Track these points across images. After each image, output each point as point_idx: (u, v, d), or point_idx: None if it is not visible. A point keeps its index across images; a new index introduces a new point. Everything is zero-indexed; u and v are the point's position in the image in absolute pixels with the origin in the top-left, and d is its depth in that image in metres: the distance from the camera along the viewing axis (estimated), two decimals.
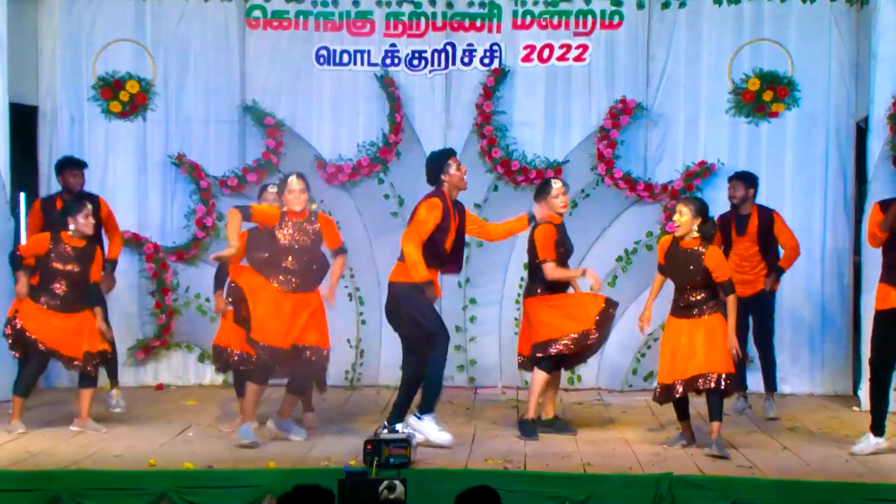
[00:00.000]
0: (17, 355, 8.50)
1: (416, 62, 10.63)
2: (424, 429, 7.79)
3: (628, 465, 7.36)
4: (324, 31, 10.66)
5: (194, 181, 10.54)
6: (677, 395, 7.88)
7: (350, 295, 10.56)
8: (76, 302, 8.42)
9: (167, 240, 10.62)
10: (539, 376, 8.37)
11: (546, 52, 10.57)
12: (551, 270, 8.30)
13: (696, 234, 7.89)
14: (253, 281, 7.90)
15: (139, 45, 10.65)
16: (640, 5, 10.48)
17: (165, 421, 8.87)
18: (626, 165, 10.44)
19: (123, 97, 10.60)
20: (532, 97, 10.61)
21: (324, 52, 10.65)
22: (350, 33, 10.66)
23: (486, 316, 10.62)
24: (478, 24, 10.60)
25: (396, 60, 10.63)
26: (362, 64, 10.64)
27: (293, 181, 7.99)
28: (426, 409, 7.94)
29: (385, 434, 7.40)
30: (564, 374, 9.47)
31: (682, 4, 10.47)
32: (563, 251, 8.43)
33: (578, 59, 10.56)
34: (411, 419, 7.89)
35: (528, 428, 8.29)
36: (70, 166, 9.31)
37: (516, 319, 9.97)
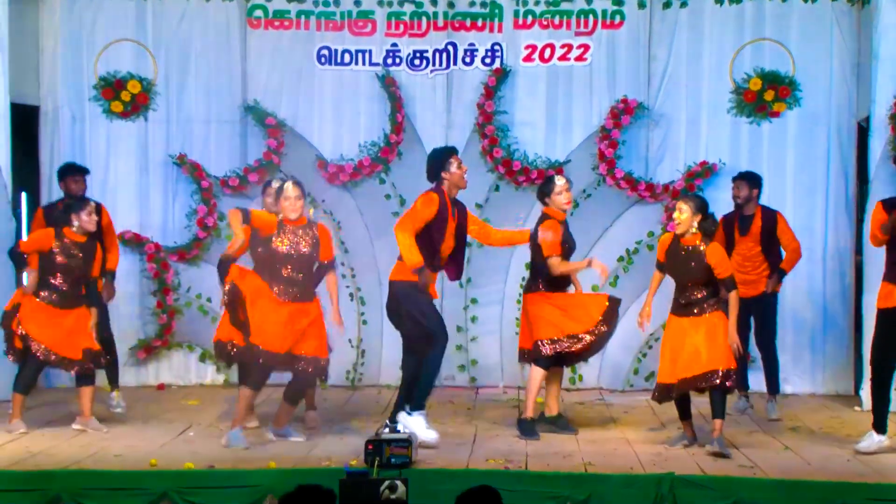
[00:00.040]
0: (11, 358, 8.46)
1: (417, 62, 10.63)
2: (413, 425, 7.77)
3: (630, 465, 7.35)
4: (325, 31, 10.66)
5: (196, 181, 10.54)
6: (674, 396, 7.89)
7: (351, 295, 10.56)
8: (74, 298, 8.42)
9: (168, 240, 10.62)
10: (536, 374, 8.38)
11: (547, 52, 10.57)
12: (557, 265, 8.30)
13: (696, 231, 7.89)
14: (254, 285, 7.84)
15: (140, 45, 10.65)
16: (642, 5, 10.48)
17: (166, 421, 8.87)
18: (627, 165, 10.44)
19: (125, 97, 10.60)
20: (533, 97, 10.61)
21: (325, 51, 10.65)
22: (351, 33, 10.67)
23: (488, 316, 10.62)
24: (479, 23, 10.60)
25: (398, 60, 10.63)
26: (364, 64, 10.64)
27: (289, 188, 7.94)
28: (417, 405, 7.93)
29: (386, 433, 7.39)
30: (566, 374, 9.45)
31: (684, 4, 10.47)
32: (567, 248, 8.44)
33: (580, 58, 10.56)
34: (401, 414, 7.89)
35: (528, 428, 8.29)
36: (72, 172, 9.30)
37: (517, 319, 9.93)
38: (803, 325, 10.36)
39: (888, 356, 7.80)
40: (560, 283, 8.48)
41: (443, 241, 8.04)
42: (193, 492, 6.86)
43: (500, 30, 10.60)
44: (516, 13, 10.57)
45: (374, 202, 10.56)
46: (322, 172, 10.50)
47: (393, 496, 6.18)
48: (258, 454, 7.57)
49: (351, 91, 10.66)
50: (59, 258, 8.33)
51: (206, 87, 10.70)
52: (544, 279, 8.40)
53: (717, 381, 7.73)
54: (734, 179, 9.41)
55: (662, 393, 7.95)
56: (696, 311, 7.87)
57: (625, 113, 10.39)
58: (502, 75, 10.51)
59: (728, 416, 8.15)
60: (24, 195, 10.49)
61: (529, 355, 8.46)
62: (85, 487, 6.85)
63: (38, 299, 8.35)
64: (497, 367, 10.60)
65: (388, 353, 10.31)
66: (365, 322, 10.61)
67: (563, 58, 10.57)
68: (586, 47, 10.55)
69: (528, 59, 10.59)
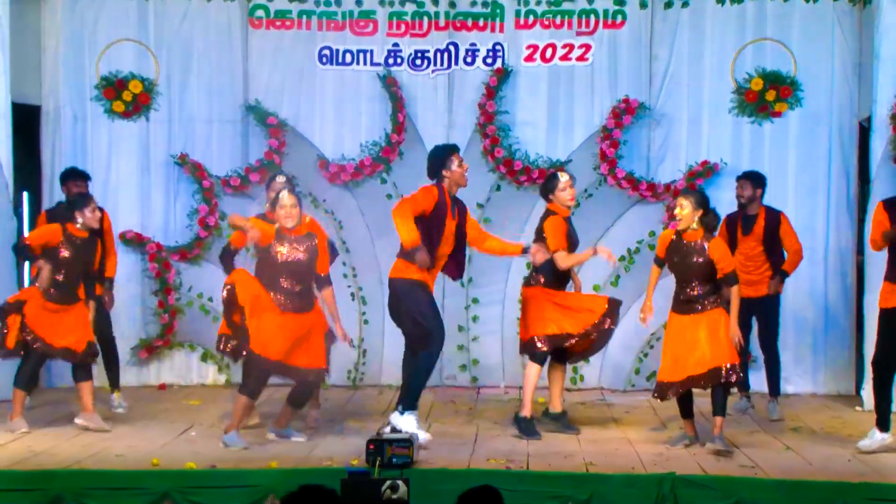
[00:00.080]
0: (8, 346, 8.43)
1: (418, 62, 10.64)
2: (404, 425, 7.77)
3: (631, 465, 7.35)
4: (327, 31, 10.67)
5: (197, 181, 10.54)
6: (677, 394, 7.90)
7: (353, 295, 10.56)
8: (74, 293, 8.44)
9: (170, 239, 10.62)
10: (532, 370, 8.39)
11: (549, 52, 10.57)
12: (563, 259, 8.31)
13: (698, 227, 7.90)
14: (255, 293, 7.78)
15: (142, 45, 10.65)
16: (643, 5, 10.48)
17: (168, 421, 8.87)
18: (628, 165, 10.44)
19: (126, 97, 10.61)
20: (535, 97, 10.61)
21: (326, 51, 10.65)
22: (353, 33, 10.67)
23: (489, 315, 10.62)
24: (480, 23, 10.60)
25: (399, 60, 10.64)
26: (365, 64, 10.65)
27: (284, 197, 7.91)
28: (408, 405, 7.92)
29: (388, 433, 7.39)
30: (568, 374, 9.45)
31: (685, 4, 10.47)
32: (571, 244, 8.44)
33: (581, 58, 10.56)
34: (393, 414, 7.88)
35: (529, 427, 8.29)
36: (73, 177, 9.31)
37: (519, 319, 9.95)
38: (804, 325, 10.36)
39: (891, 357, 7.78)
40: (561, 280, 8.49)
41: (441, 240, 8.03)
42: (195, 491, 6.86)
43: (501, 30, 10.60)
44: (518, 13, 10.58)
45: (375, 202, 10.56)
46: (323, 172, 10.52)
47: (394, 496, 6.18)
48: (259, 454, 7.57)
49: (352, 91, 10.67)
50: (62, 253, 8.35)
51: (208, 86, 10.71)
52: (546, 275, 8.40)
53: (723, 378, 7.74)
54: (738, 179, 9.40)
55: (663, 391, 7.96)
56: (697, 307, 7.88)
57: (626, 113, 10.39)
58: (504, 75, 10.51)
59: (729, 416, 8.17)
60: (25, 195, 10.49)
61: (525, 349, 8.48)
62: (86, 487, 6.85)
63: (33, 290, 8.36)
64: (498, 367, 10.61)
65: (389, 353, 10.31)
66: (366, 322, 10.61)
67: (564, 58, 10.58)
68: (588, 47, 10.55)
69: (529, 58, 10.59)
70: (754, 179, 9.30)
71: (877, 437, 7.79)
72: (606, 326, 8.36)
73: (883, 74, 9.47)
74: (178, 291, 10.62)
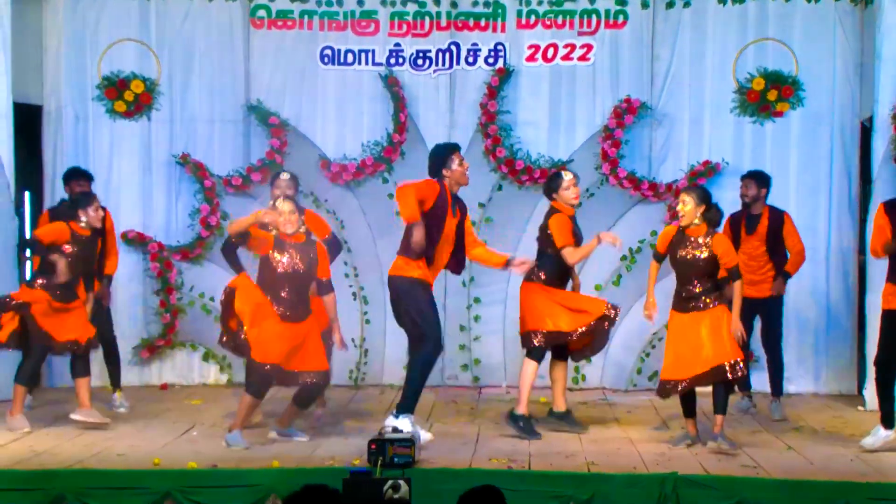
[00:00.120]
0: (4, 339, 8.44)
1: (420, 62, 10.64)
2: (399, 428, 7.72)
3: (633, 465, 7.34)
4: (328, 31, 10.67)
5: (199, 180, 10.55)
6: (680, 392, 7.90)
7: (354, 294, 10.57)
8: (74, 290, 8.46)
9: (171, 239, 10.63)
10: (529, 367, 8.39)
11: (550, 52, 10.57)
12: (571, 254, 8.32)
13: (701, 222, 7.90)
14: (256, 302, 7.78)
15: (144, 45, 10.66)
16: (645, 5, 10.48)
17: (169, 420, 8.88)
18: (630, 165, 10.44)
19: (128, 97, 10.61)
20: (536, 97, 10.61)
21: (328, 51, 10.66)
22: (354, 33, 10.67)
23: (491, 315, 10.62)
24: (482, 23, 10.60)
25: (401, 60, 10.64)
26: (367, 63, 10.65)
27: (281, 203, 7.92)
28: (403, 408, 7.86)
29: (389, 433, 7.38)
30: (570, 373, 9.44)
31: (687, 4, 10.47)
32: (576, 242, 8.44)
33: (583, 58, 10.57)
34: (389, 418, 7.86)
35: (527, 425, 8.27)
36: (76, 177, 9.33)
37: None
38: (806, 325, 10.36)
39: (893, 357, 7.77)
40: (562, 278, 8.51)
41: (441, 237, 8.00)
42: (196, 491, 6.86)
43: (503, 30, 10.60)
44: (519, 13, 10.58)
45: (376, 202, 10.56)
46: (325, 172, 10.52)
47: (396, 496, 6.18)
48: (261, 454, 7.57)
49: (354, 91, 10.67)
50: (66, 251, 8.36)
51: (210, 86, 10.71)
52: (547, 272, 8.41)
53: (727, 375, 7.74)
54: (743, 178, 9.40)
55: (666, 389, 7.95)
56: (700, 304, 7.87)
57: (628, 112, 10.39)
58: (505, 75, 10.51)
59: (731, 416, 8.17)
60: (27, 194, 10.49)
61: (523, 343, 8.48)
62: (88, 486, 6.86)
63: (42, 291, 8.37)
64: (500, 367, 10.60)
65: (391, 353, 10.32)
66: (368, 321, 10.61)
67: (566, 57, 10.58)
68: (589, 47, 10.55)
69: (531, 58, 10.59)
70: (759, 179, 9.30)
71: (881, 435, 7.78)
72: (605, 327, 8.36)
73: (884, 74, 9.47)
74: (180, 291, 10.63)
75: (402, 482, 6.23)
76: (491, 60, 10.58)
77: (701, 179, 10.24)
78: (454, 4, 10.58)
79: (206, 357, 10.64)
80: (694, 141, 10.52)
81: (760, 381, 9.48)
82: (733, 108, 10.48)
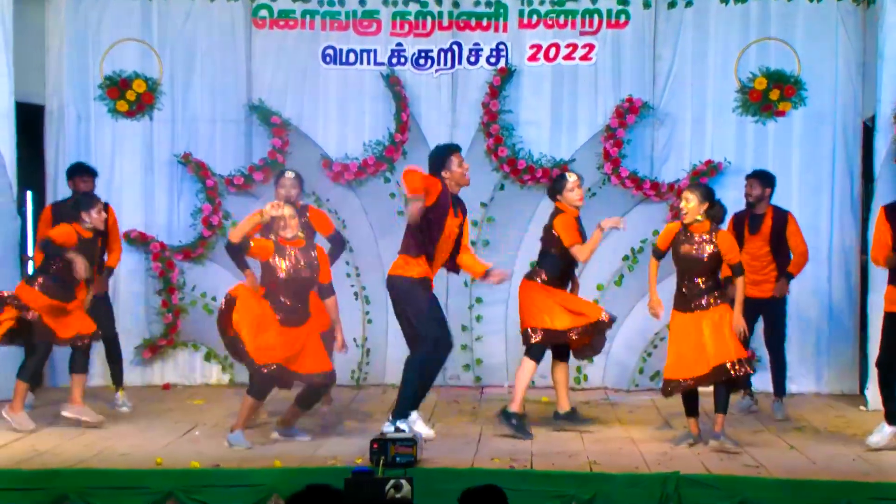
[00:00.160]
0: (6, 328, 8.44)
1: (422, 61, 10.64)
2: (400, 428, 7.71)
3: (635, 465, 7.34)
4: (330, 31, 10.67)
5: (200, 180, 10.55)
6: (677, 392, 7.90)
7: (356, 294, 10.57)
8: (73, 289, 8.47)
9: (174, 239, 10.63)
10: (527, 365, 8.40)
11: (552, 52, 10.57)
12: (580, 251, 8.34)
13: (704, 219, 7.90)
14: (257, 310, 7.78)
15: (146, 45, 10.66)
16: (647, 4, 10.47)
17: (172, 420, 8.88)
18: (632, 164, 10.44)
19: (130, 96, 10.61)
20: (538, 96, 10.61)
21: (330, 51, 10.66)
22: (356, 32, 10.67)
23: (493, 315, 10.61)
24: (484, 23, 10.60)
25: (403, 60, 10.64)
26: (368, 63, 10.65)
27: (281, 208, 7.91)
28: (398, 413, 7.83)
29: (391, 432, 7.38)
30: (571, 373, 9.44)
31: (689, 3, 10.47)
32: (582, 241, 8.45)
33: (585, 58, 10.56)
34: (385, 424, 7.82)
35: (520, 424, 8.25)
36: (80, 173, 9.33)
37: None
38: (808, 325, 10.35)
39: (895, 360, 7.77)
40: (562, 279, 8.52)
41: (442, 236, 7.98)
42: (199, 490, 6.86)
43: (504, 29, 10.60)
44: (521, 13, 10.57)
45: (378, 201, 10.56)
46: (327, 171, 10.52)
47: (398, 495, 6.18)
48: (263, 453, 7.57)
49: (356, 90, 10.67)
50: (70, 252, 8.37)
51: (211, 86, 10.72)
52: (548, 272, 8.43)
53: (730, 373, 7.74)
54: (747, 178, 9.39)
55: (669, 388, 7.96)
56: (702, 304, 7.87)
57: (630, 112, 10.39)
58: (507, 75, 10.51)
59: (732, 416, 8.17)
60: (29, 194, 10.49)
61: (522, 340, 8.48)
62: (90, 486, 6.86)
63: (38, 292, 8.37)
64: (502, 367, 10.59)
65: (392, 352, 10.31)
66: (370, 321, 10.61)
67: (567, 57, 10.57)
68: (591, 47, 10.55)
69: (532, 58, 10.59)
70: (763, 178, 9.29)
71: (886, 431, 7.78)
72: (600, 330, 8.38)
73: (887, 74, 9.45)
74: (182, 291, 10.63)
75: (404, 482, 6.22)
76: (493, 60, 10.57)
77: (703, 179, 10.22)
78: (456, 4, 10.57)
79: (208, 357, 10.65)
80: (696, 140, 10.52)
81: (763, 380, 9.48)
82: (735, 107, 10.47)
